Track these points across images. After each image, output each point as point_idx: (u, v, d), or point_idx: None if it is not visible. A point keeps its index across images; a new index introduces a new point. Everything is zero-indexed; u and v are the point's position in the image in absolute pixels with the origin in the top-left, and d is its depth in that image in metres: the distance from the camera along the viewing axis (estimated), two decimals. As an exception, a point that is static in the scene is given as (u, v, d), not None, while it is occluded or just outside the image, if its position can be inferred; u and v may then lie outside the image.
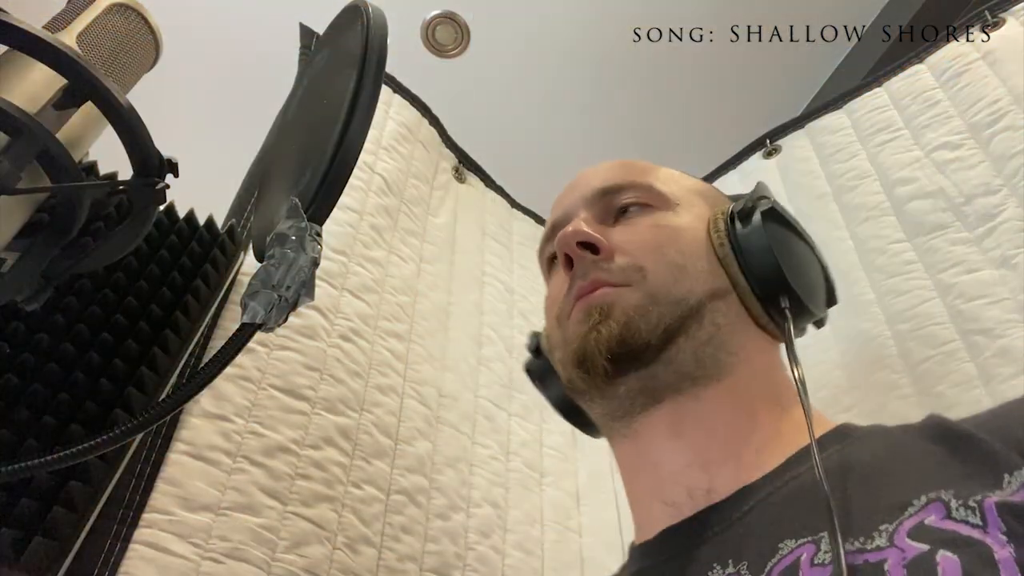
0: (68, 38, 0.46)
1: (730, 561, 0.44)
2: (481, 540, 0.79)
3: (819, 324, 0.64)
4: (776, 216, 0.60)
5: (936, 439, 0.42)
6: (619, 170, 0.65)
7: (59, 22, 0.47)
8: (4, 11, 0.40)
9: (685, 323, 0.55)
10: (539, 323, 1.09)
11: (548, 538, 0.86)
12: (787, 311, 0.56)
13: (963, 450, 0.39)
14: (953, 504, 0.35)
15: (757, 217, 0.58)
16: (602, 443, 0.99)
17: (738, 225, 0.59)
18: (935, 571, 0.32)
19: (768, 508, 0.46)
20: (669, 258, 0.57)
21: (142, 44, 0.51)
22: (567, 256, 0.60)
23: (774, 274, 0.56)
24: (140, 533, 0.56)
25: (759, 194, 0.63)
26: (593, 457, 0.97)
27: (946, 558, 0.32)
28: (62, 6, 0.49)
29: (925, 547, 0.34)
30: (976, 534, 0.33)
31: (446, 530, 0.77)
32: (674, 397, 0.55)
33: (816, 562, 0.37)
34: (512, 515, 0.85)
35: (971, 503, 0.35)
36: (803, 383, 0.49)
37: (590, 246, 0.59)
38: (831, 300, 0.64)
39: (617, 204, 0.63)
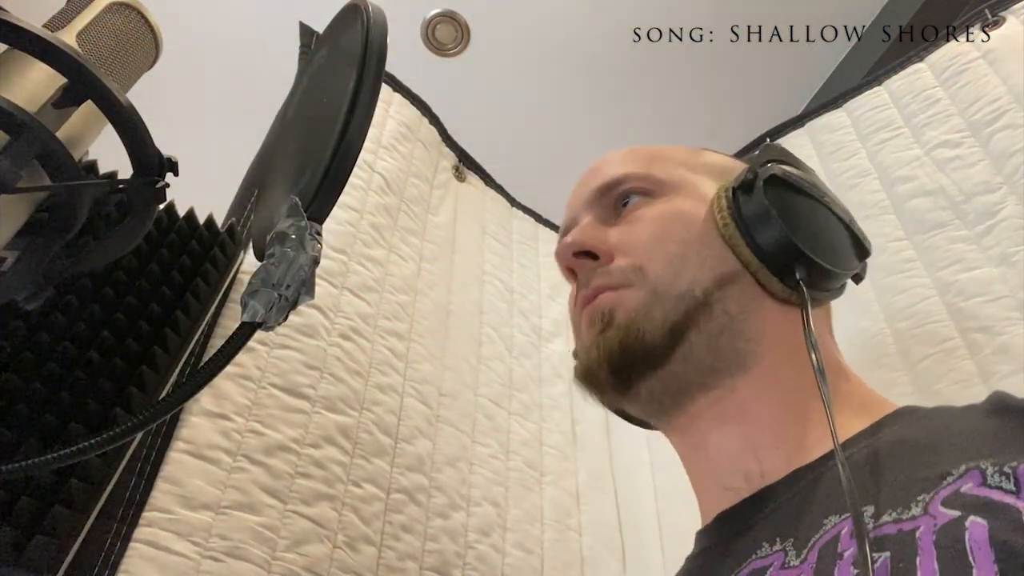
0: (68, 37, 0.46)
1: (778, 539, 0.44)
2: (481, 539, 0.80)
3: (857, 279, 0.60)
4: (779, 181, 0.56)
5: (991, 413, 0.41)
6: (619, 163, 0.64)
7: (59, 21, 0.47)
8: (4, 9, 0.40)
9: (693, 316, 0.53)
10: (539, 321, 1.09)
11: (548, 537, 0.86)
12: (802, 283, 0.52)
13: (1013, 421, 0.39)
14: (990, 471, 0.35)
15: (759, 186, 0.55)
16: (602, 442, 0.99)
17: (741, 198, 0.55)
18: (963, 536, 0.32)
19: (818, 487, 0.45)
20: (668, 250, 0.56)
21: (142, 43, 0.51)
22: (569, 268, 0.60)
23: (785, 245, 0.53)
24: (140, 532, 0.56)
25: (764, 158, 0.59)
26: (593, 456, 0.97)
27: (975, 523, 0.32)
28: (62, 5, 0.49)
29: (957, 513, 0.33)
30: (1008, 499, 0.33)
31: (446, 529, 0.77)
32: (704, 392, 0.54)
33: (855, 534, 0.37)
34: (512, 514, 0.85)
35: (1006, 469, 0.34)
36: (822, 371, 0.47)
37: (588, 253, 0.58)
38: (862, 252, 0.59)
39: (616, 201, 0.62)
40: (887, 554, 0.34)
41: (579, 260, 0.59)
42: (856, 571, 0.35)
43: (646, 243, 0.57)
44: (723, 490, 0.53)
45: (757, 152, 0.62)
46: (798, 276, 0.53)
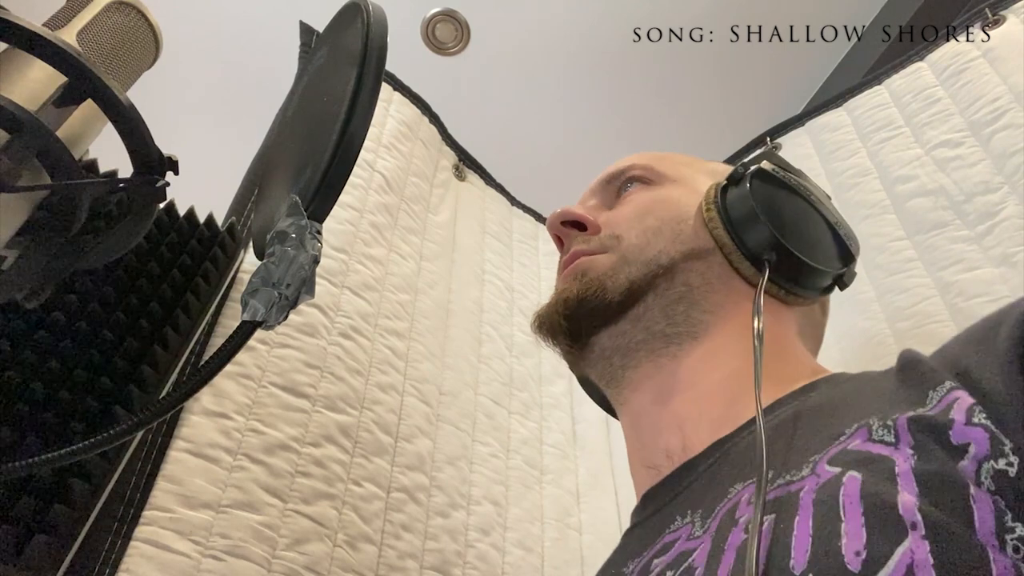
0: (68, 35, 0.46)
1: (689, 511, 0.45)
2: (481, 538, 0.80)
3: (841, 284, 0.61)
4: (767, 176, 0.59)
5: (897, 372, 0.41)
6: (627, 158, 0.67)
7: (59, 19, 0.47)
8: (4, 8, 0.40)
9: (654, 281, 0.56)
10: (539, 321, 1.09)
11: (548, 536, 0.86)
12: (767, 262, 0.55)
13: (907, 377, 0.39)
14: (875, 426, 0.35)
15: (746, 180, 0.58)
16: (602, 441, 0.99)
17: (728, 190, 0.59)
18: (838, 492, 0.32)
19: (730, 457, 0.46)
20: (646, 224, 0.59)
21: (142, 41, 0.51)
22: (558, 237, 0.64)
23: (759, 230, 0.55)
24: (141, 530, 0.56)
25: (762, 157, 0.62)
26: (593, 455, 0.97)
27: (851, 477, 0.32)
28: (62, 3, 0.49)
29: (838, 470, 0.34)
30: (886, 451, 0.33)
31: (446, 528, 0.77)
32: (652, 358, 0.56)
33: (752, 500, 0.37)
34: (512, 513, 0.85)
35: (888, 422, 0.35)
36: (760, 337, 0.48)
37: (576, 224, 0.62)
38: (846, 255, 0.60)
39: (620, 184, 0.65)
40: (772, 516, 0.34)
41: (566, 228, 0.63)
42: (745, 536, 0.35)
43: (629, 218, 0.61)
44: (647, 469, 0.54)
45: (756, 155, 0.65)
46: (765, 256, 0.55)
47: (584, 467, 0.96)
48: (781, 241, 0.55)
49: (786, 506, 0.34)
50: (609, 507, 0.92)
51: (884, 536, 0.29)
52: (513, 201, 1.24)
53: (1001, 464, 0.30)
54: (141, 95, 0.48)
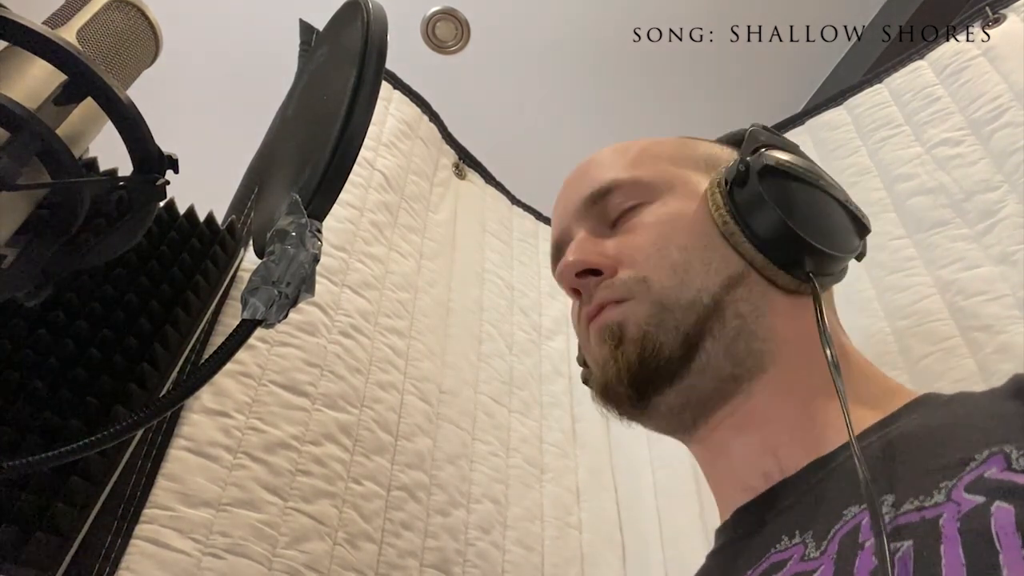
0: (68, 34, 0.46)
1: (797, 532, 0.43)
2: (481, 536, 0.80)
3: (859, 257, 0.59)
4: (773, 171, 0.54)
5: (1013, 396, 0.40)
6: (605, 167, 0.62)
7: (59, 18, 0.47)
8: (4, 7, 0.40)
9: (706, 325, 0.53)
10: (539, 319, 1.09)
11: (548, 534, 0.86)
12: (812, 276, 0.51)
13: None
14: (1014, 455, 0.34)
15: (754, 179, 0.53)
16: (602, 440, 1.00)
17: (736, 192, 0.54)
18: (989, 522, 0.31)
19: (836, 478, 0.45)
20: (671, 259, 0.55)
21: (142, 40, 0.51)
22: (574, 289, 0.59)
23: (787, 237, 0.52)
24: (141, 529, 0.56)
25: (752, 146, 0.57)
26: (593, 453, 0.97)
27: (1000, 508, 0.31)
28: (62, 2, 0.49)
29: (981, 499, 0.33)
30: None
31: (446, 526, 0.77)
32: (724, 401, 0.53)
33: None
34: (512, 511, 0.85)
35: (1019, 451, 0.34)
36: (836, 365, 0.46)
37: (591, 271, 0.58)
38: (862, 229, 0.57)
39: (609, 209, 0.60)
40: (909, 543, 0.33)
41: (583, 280, 0.58)
42: (877, 562, 0.34)
43: (647, 252, 0.56)
44: (742, 490, 0.52)
45: (744, 139, 0.60)
46: (808, 269, 0.52)
47: (584, 466, 0.96)
48: (813, 244, 0.52)
49: (925, 534, 0.33)
50: (609, 506, 0.92)
51: None
52: (513, 200, 1.24)
53: None
54: (141, 94, 0.48)
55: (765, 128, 0.61)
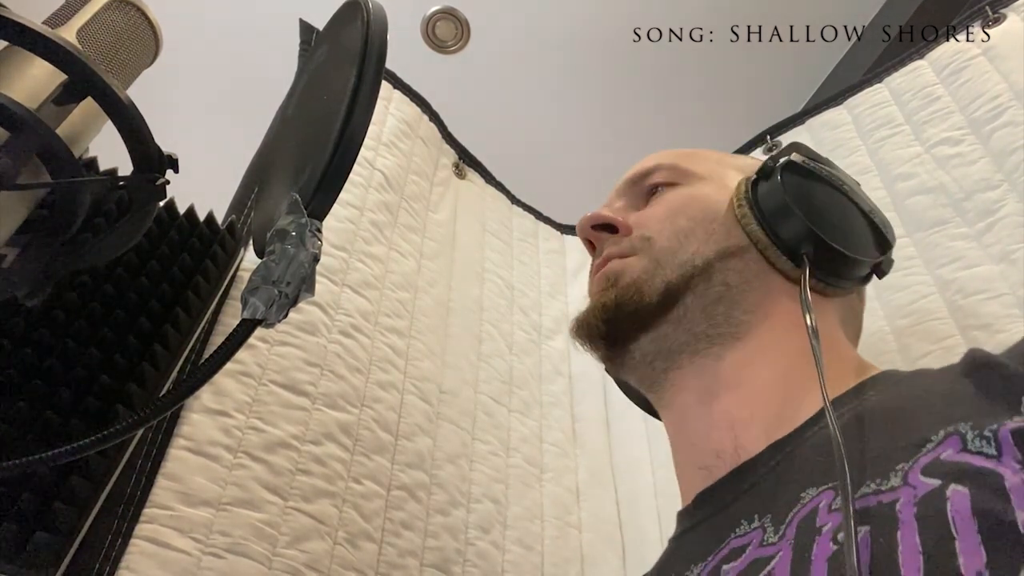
0: (68, 33, 0.46)
1: (756, 515, 0.43)
2: (481, 536, 0.80)
3: (880, 273, 0.60)
4: (797, 168, 0.57)
5: (967, 373, 0.40)
6: (655, 157, 0.66)
7: (59, 17, 0.47)
8: (4, 6, 0.40)
9: (691, 282, 0.55)
10: (539, 319, 1.09)
11: (548, 534, 0.86)
12: (805, 256, 0.53)
13: (987, 380, 0.38)
14: (969, 436, 0.34)
15: (776, 173, 0.57)
16: (602, 439, 0.99)
17: (759, 185, 0.57)
18: (944, 507, 0.31)
19: (795, 460, 0.45)
20: (678, 225, 0.58)
21: (142, 39, 0.51)
22: (589, 241, 0.63)
23: (794, 224, 0.54)
24: (141, 528, 0.56)
25: (791, 151, 0.61)
26: (593, 453, 0.97)
27: (956, 492, 0.31)
28: (62, 1, 0.49)
29: (937, 483, 0.32)
30: (989, 464, 0.32)
31: (446, 526, 0.77)
32: (693, 359, 0.55)
33: (834, 507, 0.36)
34: (512, 511, 0.85)
35: (987, 433, 0.33)
36: (816, 334, 0.47)
37: (607, 226, 0.62)
38: (883, 243, 0.59)
39: (647, 187, 0.64)
40: (866, 528, 0.33)
41: (597, 232, 0.62)
42: (835, 547, 0.34)
43: (660, 219, 0.60)
44: (697, 470, 0.53)
45: (783, 148, 0.64)
46: (803, 251, 0.54)
47: (584, 465, 0.96)
48: (817, 233, 0.54)
49: (882, 518, 0.33)
50: (609, 505, 0.92)
51: (1007, 555, 0.28)
52: (513, 199, 1.24)
53: None
54: (141, 93, 0.48)
55: (806, 146, 0.65)
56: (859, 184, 0.62)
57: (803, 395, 0.50)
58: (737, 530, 0.44)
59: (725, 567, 0.42)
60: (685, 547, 0.51)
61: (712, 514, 0.49)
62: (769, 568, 0.37)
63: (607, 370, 0.65)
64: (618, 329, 0.57)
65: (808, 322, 0.48)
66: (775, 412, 0.50)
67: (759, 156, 1.08)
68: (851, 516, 0.32)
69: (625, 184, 0.66)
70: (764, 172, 0.58)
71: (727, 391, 0.53)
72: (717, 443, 0.52)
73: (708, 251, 0.56)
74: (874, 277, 0.61)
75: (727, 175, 0.63)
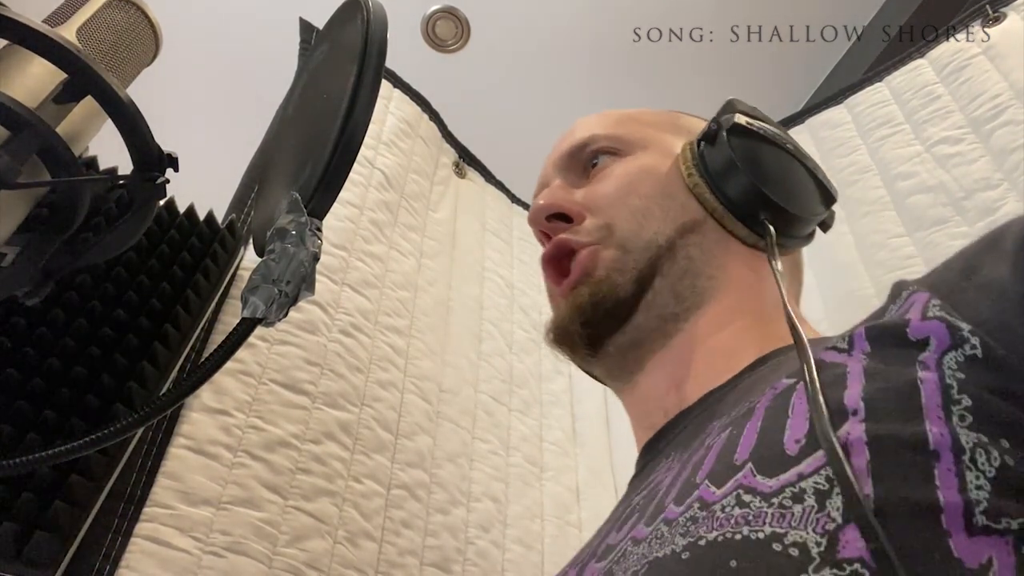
0: (68, 32, 0.46)
1: (673, 454, 0.45)
2: (481, 534, 0.80)
3: (824, 227, 0.61)
4: (741, 130, 0.57)
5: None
6: (589, 126, 0.65)
7: (59, 16, 0.47)
8: (4, 6, 0.40)
9: (657, 264, 0.55)
10: (539, 318, 1.09)
11: (548, 533, 0.86)
12: (766, 222, 0.54)
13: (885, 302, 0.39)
14: (837, 342, 0.35)
15: (723, 135, 0.56)
16: (602, 438, 1.00)
17: (706, 150, 0.57)
18: (790, 397, 0.33)
19: (719, 404, 0.46)
20: (633, 206, 0.57)
21: (142, 38, 0.51)
22: (543, 232, 0.62)
23: (748, 190, 0.54)
24: (141, 527, 0.57)
25: (728, 110, 0.60)
26: (593, 452, 0.97)
27: (802, 384, 0.34)
28: (62, 0, 0.49)
29: (792, 381, 0.35)
30: (839, 358, 0.34)
31: (446, 524, 0.77)
32: (663, 340, 0.55)
33: (722, 427, 0.38)
34: (512, 510, 0.85)
35: (845, 335, 0.35)
36: (783, 273, 0.48)
37: (560, 216, 0.60)
38: (828, 199, 0.59)
39: (585, 162, 0.63)
40: (728, 431, 0.36)
41: (552, 223, 0.61)
42: (702, 452, 0.36)
43: (611, 199, 0.58)
44: (646, 430, 0.54)
45: (723, 107, 0.63)
46: (763, 217, 0.54)
47: (584, 464, 0.96)
48: (772, 199, 0.54)
49: (742, 418, 0.36)
50: (609, 504, 0.92)
51: (823, 423, 0.30)
52: (513, 198, 1.24)
53: (967, 351, 0.29)
54: (141, 92, 0.48)
55: (743, 102, 0.63)
56: (795, 140, 0.62)
57: (748, 349, 0.51)
58: (658, 468, 0.46)
59: (636, 498, 0.44)
60: (624, 498, 0.52)
61: (645, 464, 0.51)
62: (658, 483, 0.40)
63: (578, 365, 0.64)
64: (597, 330, 0.56)
65: (775, 267, 0.49)
66: (720, 365, 0.51)
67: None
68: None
69: (563, 158, 0.64)
70: (708, 136, 0.57)
71: (680, 357, 0.54)
72: (666, 403, 0.53)
73: (668, 229, 0.56)
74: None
75: (666, 139, 0.62)
